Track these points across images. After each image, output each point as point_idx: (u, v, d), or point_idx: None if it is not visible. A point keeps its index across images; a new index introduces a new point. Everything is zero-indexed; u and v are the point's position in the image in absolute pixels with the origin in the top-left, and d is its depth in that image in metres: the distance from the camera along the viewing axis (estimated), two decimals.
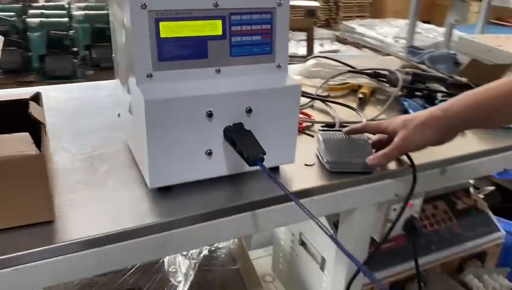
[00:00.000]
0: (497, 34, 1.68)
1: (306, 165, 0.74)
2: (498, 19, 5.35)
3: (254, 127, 0.64)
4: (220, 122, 0.63)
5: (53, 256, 0.54)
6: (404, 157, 0.76)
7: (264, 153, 0.60)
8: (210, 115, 0.62)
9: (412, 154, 0.75)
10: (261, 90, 0.64)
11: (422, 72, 1.11)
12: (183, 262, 1.00)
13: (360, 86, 1.07)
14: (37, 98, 0.69)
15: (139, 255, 0.60)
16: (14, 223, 0.54)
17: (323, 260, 1.08)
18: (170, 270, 0.98)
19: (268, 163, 0.63)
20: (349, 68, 1.13)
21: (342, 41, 5.17)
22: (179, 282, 0.95)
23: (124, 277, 0.96)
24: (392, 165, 0.76)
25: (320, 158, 0.75)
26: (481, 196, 1.29)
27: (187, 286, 0.94)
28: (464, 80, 1.07)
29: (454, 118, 0.68)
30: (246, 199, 0.65)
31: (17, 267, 0.52)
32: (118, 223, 0.58)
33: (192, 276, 0.97)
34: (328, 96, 1.03)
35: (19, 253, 0.52)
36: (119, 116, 0.80)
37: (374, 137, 0.78)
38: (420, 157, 0.76)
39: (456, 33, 2.97)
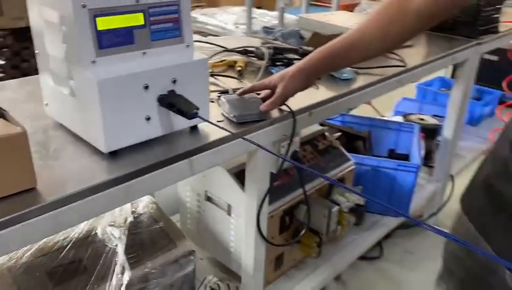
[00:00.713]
0: (319, 12, 2.09)
1: (218, 121, 0.95)
2: (317, 0, 6.19)
3: (181, 93, 0.83)
4: (154, 92, 0.80)
5: (44, 213, 0.67)
6: (284, 107, 1.03)
7: (198, 108, 0.80)
8: (146, 87, 0.79)
9: (289, 104, 1.02)
10: (181, 64, 0.83)
11: (280, 46, 1.40)
12: (113, 230, 1.13)
13: (235, 62, 1.31)
14: None
15: (110, 204, 0.76)
16: (6, 193, 0.65)
17: (229, 207, 1.31)
18: (104, 238, 1.11)
19: (192, 120, 0.83)
20: (223, 48, 1.37)
21: None
22: (116, 245, 1.09)
23: (63, 253, 1.06)
24: (278, 114, 1.02)
25: (227, 115, 0.97)
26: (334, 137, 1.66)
27: (123, 247, 1.09)
28: (310, 48, 1.39)
29: (314, 66, 0.96)
30: (181, 150, 0.84)
31: (22, 223, 0.64)
32: (88, 180, 0.73)
33: (125, 240, 1.12)
34: (213, 72, 1.25)
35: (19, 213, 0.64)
36: (47, 105, 0.91)
37: (261, 93, 1.02)
38: (294, 105, 1.04)
39: (286, 15, 3.43)
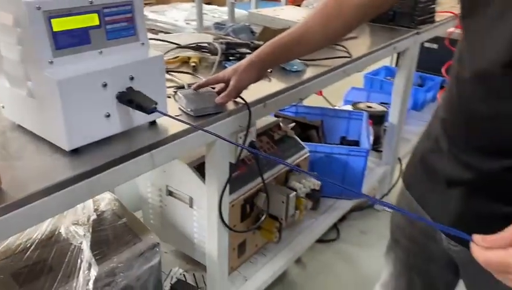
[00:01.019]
0: (268, 8, 2.15)
1: (176, 116, 0.99)
2: None
3: (139, 89, 0.86)
4: (112, 90, 0.83)
5: (10, 211, 0.69)
6: (240, 99, 1.08)
7: (156, 103, 0.84)
8: (105, 85, 0.82)
9: (244, 96, 1.07)
10: (137, 61, 0.87)
11: (232, 41, 1.45)
12: (77, 228, 1.15)
13: (189, 58, 1.35)
14: None
15: (75, 199, 0.78)
16: None
17: (191, 199, 1.35)
18: (68, 237, 1.12)
19: (151, 115, 0.87)
20: (176, 45, 1.40)
21: None
22: (81, 243, 1.11)
23: (27, 254, 1.06)
24: (233, 106, 1.07)
25: (184, 109, 1.01)
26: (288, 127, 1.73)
27: (88, 244, 1.10)
28: (261, 42, 1.45)
29: (265, 59, 1.01)
30: (142, 144, 0.88)
31: None
32: (53, 178, 0.75)
33: (90, 237, 1.13)
34: (168, 68, 1.28)
35: None
36: (3, 107, 0.91)
37: (216, 87, 1.07)
38: (248, 98, 1.09)
39: (236, 10, 3.48)
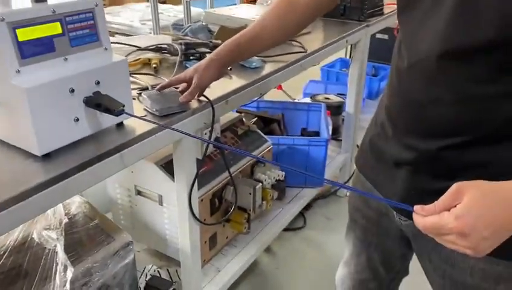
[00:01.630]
0: (223, 5, 2.19)
1: (142, 116, 1.03)
2: None
3: (105, 93, 0.89)
4: (79, 94, 0.86)
5: None
6: (203, 98, 1.12)
7: (124, 105, 0.87)
8: (72, 90, 0.85)
9: (206, 94, 1.12)
10: (101, 67, 0.90)
11: (190, 41, 1.49)
12: (50, 233, 1.16)
13: (150, 59, 1.38)
14: None
15: (49, 202, 0.81)
16: None
17: (160, 197, 1.39)
18: (41, 242, 1.14)
19: (118, 117, 0.90)
20: (136, 47, 1.43)
21: None
22: (55, 246, 1.13)
23: (1, 261, 1.08)
24: (197, 104, 1.12)
25: (149, 110, 1.05)
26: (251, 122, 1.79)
27: (62, 246, 1.13)
28: (219, 41, 1.50)
29: (224, 57, 1.07)
30: (112, 146, 0.91)
31: None
32: (26, 183, 0.78)
33: (63, 240, 1.15)
34: (130, 71, 1.31)
35: None
36: None
37: (179, 87, 1.11)
38: (211, 95, 1.14)
39: (192, 8, 3.49)
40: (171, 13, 6.04)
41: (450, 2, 0.65)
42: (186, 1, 3.74)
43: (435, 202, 0.59)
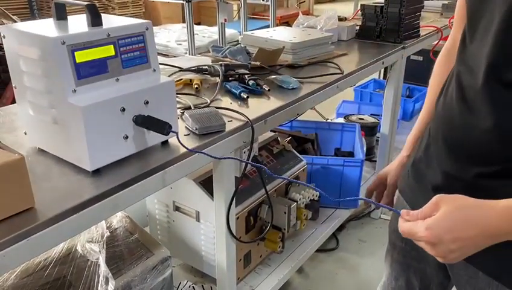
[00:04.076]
0: (256, 26, 2.22)
1: (185, 135, 1.07)
2: (254, 14, 6.41)
3: (153, 113, 0.94)
4: (129, 113, 0.91)
5: (44, 229, 0.75)
6: (243, 117, 1.15)
7: (171, 127, 0.91)
8: (123, 109, 0.89)
9: (247, 113, 1.15)
10: (150, 87, 0.94)
11: (230, 63, 1.53)
12: (93, 245, 1.20)
13: (191, 80, 1.43)
14: None
15: (100, 215, 0.85)
16: (9, 213, 0.73)
17: (198, 213, 1.42)
18: (84, 254, 1.18)
19: (164, 136, 0.94)
20: (177, 68, 1.48)
21: None
22: (97, 259, 1.17)
23: (47, 271, 1.12)
24: (237, 124, 1.15)
25: (190, 128, 1.09)
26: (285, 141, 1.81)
27: (104, 259, 1.16)
28: (258, 63, 1.54)
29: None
30: (157, 163, 0.95)
31: (28, 238, 0.72)
32: (80, 196, 0.82)
33: (105, 253, 1.19)
34: None
35: (24, 229, 0.72)
36: (25, 134, 0.99)
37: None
38: (251, 115, 1.17)
39: (227, 30, 3.57)
40: (206, 34, 6.20)
41: (495, 28, 0.67)
42: (222, 22, 3.84)
43: (420, 209, 0.65)
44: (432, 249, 0.63)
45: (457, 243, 0.61)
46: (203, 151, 1.01)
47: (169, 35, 5.16)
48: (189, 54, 1.89)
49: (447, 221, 0.62)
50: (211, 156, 0.99)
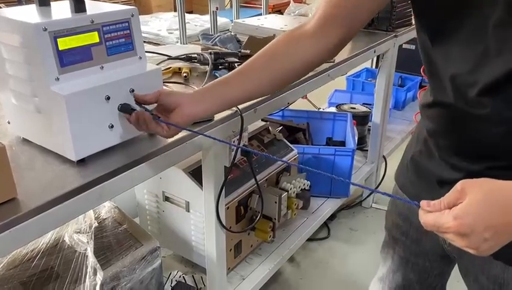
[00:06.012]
0: (249, 15, 2.20)
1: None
2: (246, 2, 6.36)
3: None
4: (114, 102, 0.89)
5: (26, 219, 0.74)
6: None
7: (158, 116, 0.89)
8: (108, 98, 0.87)
9: None
10: (136, 75, 0.92)
11: (220, 51, 1.51)
12: (81, 236, 1.19)
13: (180, 68, 1.41)
14: None
15: (85, 206, 0.84)
16: None
17: (187, 203, 1.41)
18: (72, 245, 1.17)
19: None
20: (166, 56, 1.46)
21: None
22: (85, 250, 1.15)
23: (34, 263, 1.11)
24: (226, 112, 1.13)
25: None
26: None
27: (92, 250, 1.15)
28: (248, 51, 1.52)
29: (204, 94, 0.89)
30: (145, 152, 0.93)
31: (10, 229, 0.71)
32: (64, 186, 0.80)
33: (93, 244, 1.18)
34: None
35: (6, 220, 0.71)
36: (9, 123, 0.96)
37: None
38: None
39: (219, 18, 3.54)
40: (198, 23, 6.14)
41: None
42: (213, 10, 3.80)
43: (441, 198, 0.59)
44: (462, 240, 0.57)
45: (491, 230, 0.55)
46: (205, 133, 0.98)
47: (160, 24, 5.10)
48: (181, 43, 1.86)
49: (477, 208, 0.56)
50: (196, 132, 0.91)
